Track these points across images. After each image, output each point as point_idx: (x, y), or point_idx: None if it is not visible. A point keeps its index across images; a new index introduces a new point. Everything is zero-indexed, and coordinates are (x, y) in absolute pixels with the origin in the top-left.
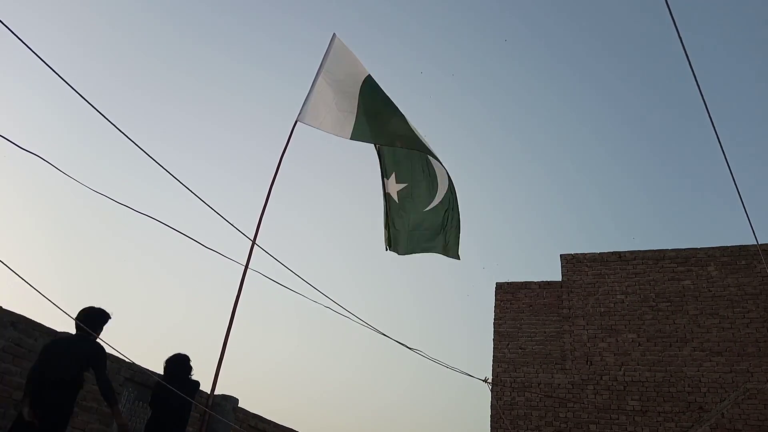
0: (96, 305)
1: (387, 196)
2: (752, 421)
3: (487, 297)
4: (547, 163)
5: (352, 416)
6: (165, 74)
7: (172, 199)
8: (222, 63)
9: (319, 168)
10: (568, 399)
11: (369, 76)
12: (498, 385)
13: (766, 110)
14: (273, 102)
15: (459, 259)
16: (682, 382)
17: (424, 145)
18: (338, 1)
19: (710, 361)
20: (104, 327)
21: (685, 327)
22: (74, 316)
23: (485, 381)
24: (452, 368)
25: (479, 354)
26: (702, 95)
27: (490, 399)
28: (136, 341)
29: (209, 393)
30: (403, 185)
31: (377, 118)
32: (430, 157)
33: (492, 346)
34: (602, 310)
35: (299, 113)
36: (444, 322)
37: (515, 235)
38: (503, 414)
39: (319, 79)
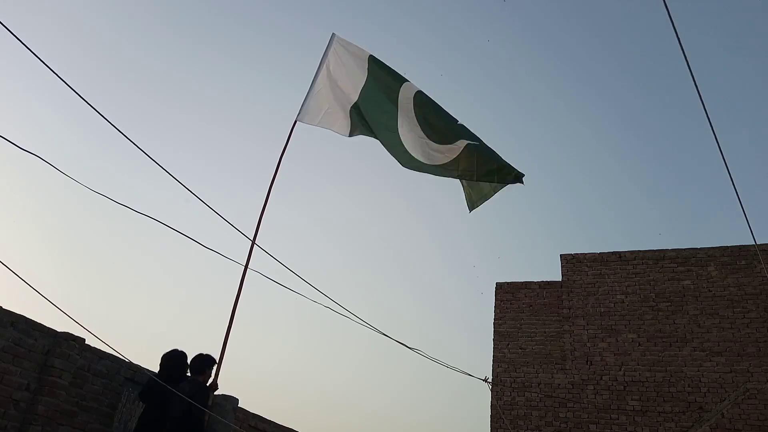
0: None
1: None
2: (752, 421)
3: (487, 297)
4: (547, 163)
5: (352, 416)
6: (165, 75)
7: (172, 199)
8: (222, 63)
9: (319, 168)
10: (568, 399)
11: (371, 57)
12: (498, 385)
13: (765, 110)
14: (273, 102)
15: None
16: (682, 382)
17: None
18: (338, 2)
19: (710, 361)
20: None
21: (685, 327)
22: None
23: (485, 381)
24: (452, 368)
25: (479, 354)
26: (701, 95)
27: (490, 399)
28: (136, 341)
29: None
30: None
31: (381, 111)
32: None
33: (492, 346)
34: (602, 310)
35: (298, 113)
36: (444, 322)
37: (515, 235)
38: (503, 414)
39: (319, 79)
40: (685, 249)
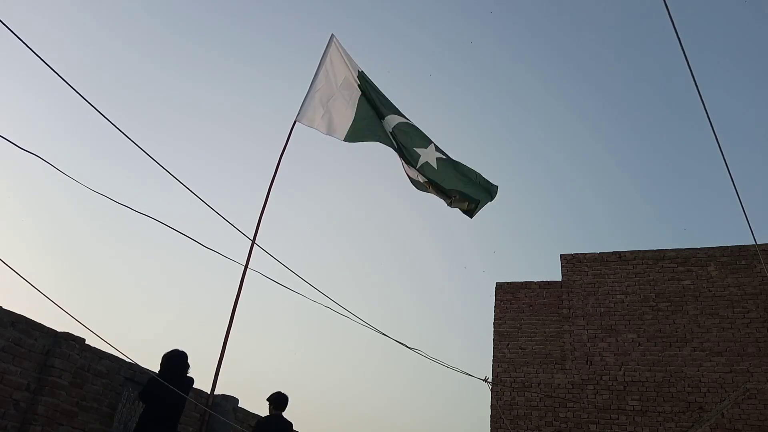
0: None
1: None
2: (752, 421)
3: (487, 297)
4: (547, 163)
5: (352, 416)
6: (165, 75)
7: (172, 199)
8: (222, 63)
9: (318, 168)
10: (568, 399)
11: (362, 72)
12: (498, 385)
13: (765, 110)
14: (273, 102)
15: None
16: (682, 382)
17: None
18: (337, 2)
19: (710, 361)
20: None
21: (685, 327)
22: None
23: (485, 380)
24: (452, 368)
25: (479, 354)
26: (701, 95)
27: (490, 399)
28: (136, 341)
29: (209, 393)
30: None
31: (373, 117)
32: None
33: (492, 346)
34: (602, 310)
35: (298, 114)
36: (444, 322)
37: (515, 235)
38: (503, 414)
39: (318, 79)
40: (685, 249)
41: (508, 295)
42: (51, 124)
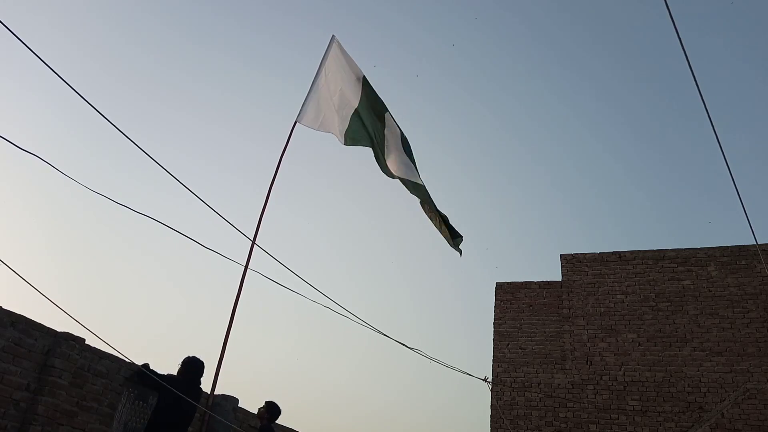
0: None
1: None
2: (752, 421)
3: (487, 297)
4: (547, 163)
5: (352, 416)
6: (165, 75)
7: (172, 199)
8: (222, 63)
9: (319, 168)
10: (568, 399)
11: (365, 78)
12: (498, 385)
13: (765, 110)
14: (273, 102)
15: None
16: (682, 382)
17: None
18: (337, 2)
19: (710, 361)
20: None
21: (685, 327)
22: (73, 315)
23: (485, 380)
24: (452, 367)
25: (479, 354)
26: (701, 95)
27: (490, 399)
28: (136, 341)
29: (209, 393)
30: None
31: (371, 122)
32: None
33: (492, 346)
34: (602, 310)
35: (298, 114)
36: (444, 322)
37: (515, 235)
38: (503, 414)
39: (319, 80)
40: (685, 249)
41: (508, 295)
42: (51, 124)
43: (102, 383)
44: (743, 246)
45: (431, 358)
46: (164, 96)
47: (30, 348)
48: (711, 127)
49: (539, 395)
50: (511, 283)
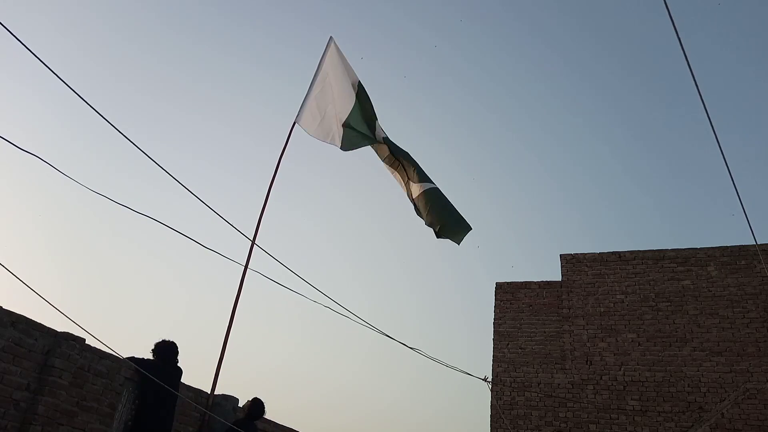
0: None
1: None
2: (752, 421)
3: (487, 297)
4: (547, 162)
5: (353, 416)
6: (164, 74)
7: (172, 199)
8: (222, 63)
9: (319, 168)
10: (568, 399)
11: (360, 83)
12: (498, 384)
13: (765, 110)
14: (273, 102)
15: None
16: (682, 382)
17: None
18: (337, 2)
19: (710, 361)
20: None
21: (685, 327)
22: (74, 316)
23: (485, 380)
24: (452, 367)
25: (479, 354)
26: (701, 95)
27: (490, 399)
28: (136, 341)
29: (209, 393)
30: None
31: (367, 124)
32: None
33: (492, 346)
34: (602, 310)
35: (297, 115)
36: (444, 322)
37: (515, 235)
38: (503, 414)
39: (316, 83)
40: (685, 249)
41: (508, 295)
42: (51, 124)
43: (102, 383)
44: (743, 246)
45: (431, 358)
46: (164, 96)
47: (30, 348)
48: (711, 127)
49: (539, 395)
50: (511, 283)
